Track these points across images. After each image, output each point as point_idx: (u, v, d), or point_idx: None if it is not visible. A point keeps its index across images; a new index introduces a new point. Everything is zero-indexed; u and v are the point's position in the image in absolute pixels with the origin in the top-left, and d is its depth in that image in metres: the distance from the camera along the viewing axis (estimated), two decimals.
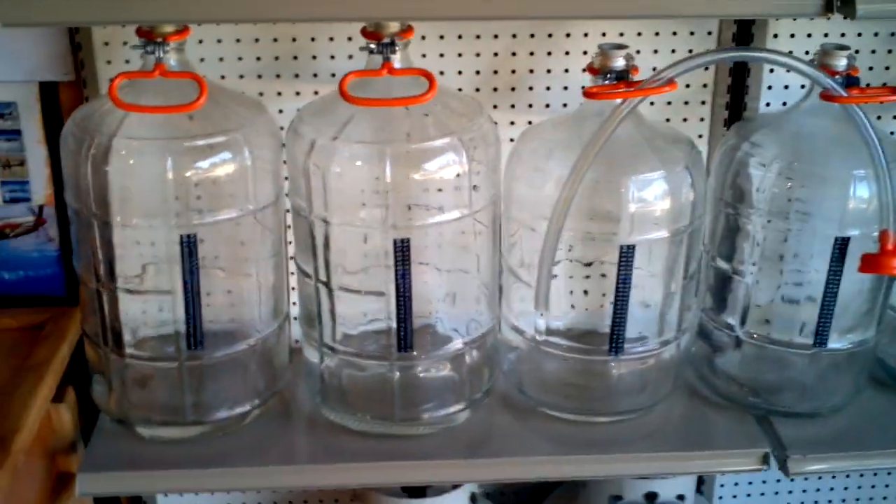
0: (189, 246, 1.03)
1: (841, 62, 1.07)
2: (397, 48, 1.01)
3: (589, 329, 1.16)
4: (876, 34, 1.22)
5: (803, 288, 1.13)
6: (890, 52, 1.23)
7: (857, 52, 1.20)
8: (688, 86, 1.22)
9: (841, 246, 1.07)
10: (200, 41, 1.17)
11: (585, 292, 1.17)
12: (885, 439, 1.15)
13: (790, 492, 1.51)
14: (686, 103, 1.23)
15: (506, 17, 1.06)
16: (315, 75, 1.18)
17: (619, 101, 1.02)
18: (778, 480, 1.50)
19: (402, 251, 1.03)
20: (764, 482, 1.50)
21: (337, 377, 1.12)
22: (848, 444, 1.14)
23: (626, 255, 1.06)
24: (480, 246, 1.10)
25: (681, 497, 1.27)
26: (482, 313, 1.13)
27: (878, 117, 1.24)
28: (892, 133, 1.25)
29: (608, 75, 1.04)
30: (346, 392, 1.12)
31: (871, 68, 1.23)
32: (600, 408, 1.14)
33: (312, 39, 1.17)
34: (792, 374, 1.16)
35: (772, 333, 1.15)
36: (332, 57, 1.18)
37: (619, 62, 1.05)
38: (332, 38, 1.17)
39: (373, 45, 1.01)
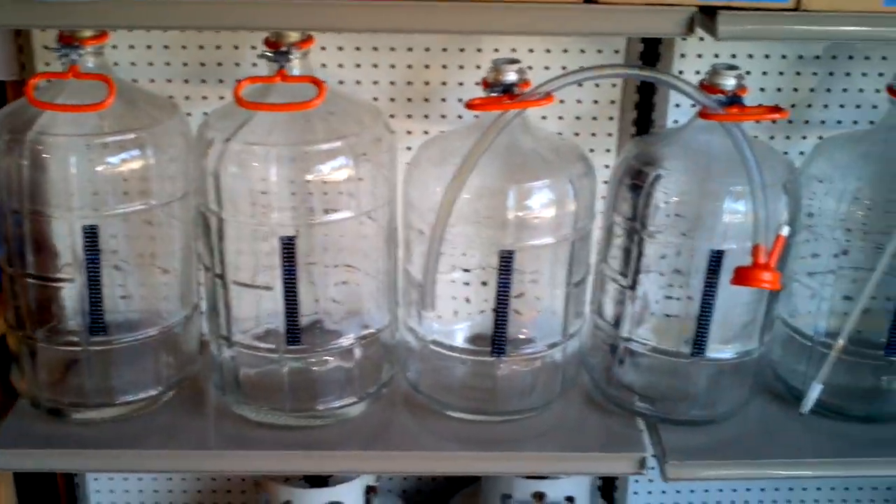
0: (91, 236, 1.09)
1: (728, 81, 1.10)
2: (293, 57, 1.07)
3: (479, 332, 1.20)
4: (784, 56, 1.26)
5: (687, 300, 1.16)
6: (798, 73, 1.27)
7: (764, 73, 1.26)
8: (596, 101, 1.27)
9: (716, 258, 1.11)
10: (132, 46, 1.24)
11: (467, 299, 1.22)
12: (771, 449, 1.18)
13: (704, 502, 1.55)
14: (594, 118, 1.28)
15: (396, 29, 1.11)
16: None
17: (500, 112, 1.08)
18: (692, 490, 1.54)
19: (289, 249, 1.08)
20: (678, 491, 1.54)
21: (234, 368, 1.17)
22: (730, 453, 1.17)
23: (506, 261, 1.10)
24: (371, 246, 1.16)
25: (570, 499, 1.30)
26: (374, 312, 1.18)
27: (772, 137, 1.28)
28: (801, 153, 1.30)
29: (496, 88, 1.10)
30: (242, 383, 1.17)
31: (779, 89, 1.27)
32: (489, 408, 1.19)
33: (235, 47, 1.24)
34: (678, 382, 1.19)
35: (659, 343, 1.18)
36: (255, 65, 1.23)
37: (510, 76, 1.09)
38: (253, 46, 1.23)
39: (269, 53, 1.08)
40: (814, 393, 1.14)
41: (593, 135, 1.28)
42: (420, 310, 1.16)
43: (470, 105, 1.08)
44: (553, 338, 1.18)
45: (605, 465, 1.19)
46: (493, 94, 1.09)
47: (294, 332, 1.11)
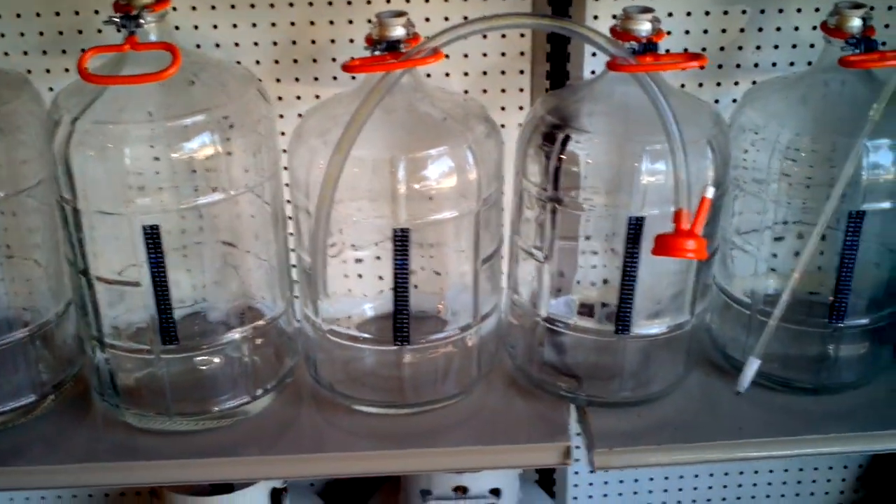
0: None
1: (642, 26, 0.98)
2: (145, 21, 0.94)
3: (382, 318, 1.09)
4: None
5: (609, 273, 1.06)
6: (726, 13, 1.14)
7: (688, 13, 1.14)
8: (504, 54, 1.14)
9: (635, 226, 0.99)
10: None
11: (365, 283, 1.11)
12: (710, 430, 1.07)
13: (650, 491, 1.45)
14: (503, 73, 1.15)
15: None
16: None
17: (382, 74, 0.95)
18: (636, 480, 1.44)
19: (153, 238, 0.96)
20: (621, 481, 1.44)
21: (110, 372, 1.05)
22: (665, 436, 1.06)
23: (402, 240, 0.98)
24: (258, 227, 1.04)
25: (495, 492, 1.20)
26: (266, 299, 1.07)
27: (700, 84, 1.16)
28: (734, 101, 1.17)
29: (379, 46, 0.97)
30: (121, 388, 1.05)
31: (705, 31, 1.14)
32: (398, 400, 1.07)
33: (96, 12, 1.11)
34: (605, 362, 1.08)
35: (581, 320, 1.07)
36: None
37: (397, 31, 0.96)
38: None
39: (117, 19, 0.94)
40: (751, 369, 1.02)
41: (503, 91, 1.16)
42: (313, 297, 1.05)
43: (346, 67, 0.96)
44: (464, 320, 1.07)
45: (526, 458, 1.08)
46: (376, 53, 0.98)
47: (169, 329, 0.99)
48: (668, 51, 1.09)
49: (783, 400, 1.10)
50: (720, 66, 1.16)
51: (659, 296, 1.06)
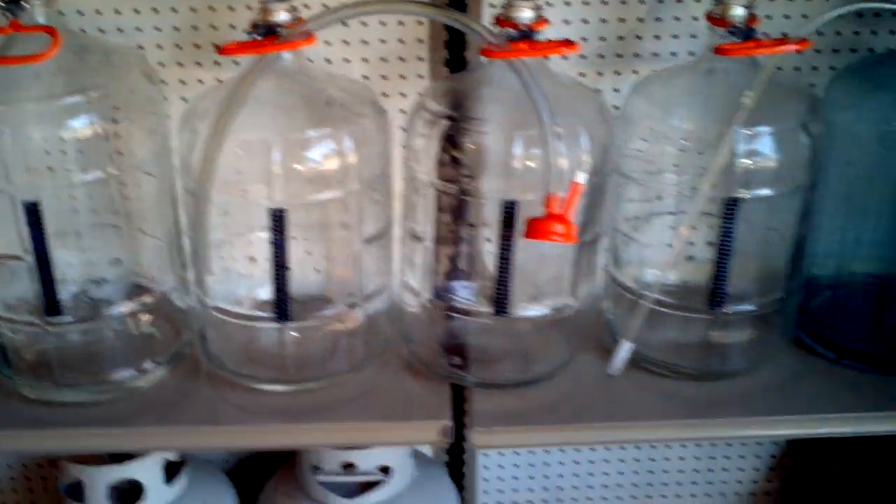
0: None
1: (524, 14, 0.99)
2: (27, 5, 0.95)
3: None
4: None
5: (492, 256, 1.07)
6: (624, 2, 1.14)
7: (586, 3, 1.14)
8: (402, 41, 1.15)
9: (509, 210, 1.01)
10: None
11: (253, 259, 1.13)
12: (593, 410, 1.08)
13: (560, 475, 1.46)
14: (402, 59, 1.16)
15: None
16: None
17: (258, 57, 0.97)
18: (546, 463, 1.46)
19: (34, 215, 0.98)
20: (531, 465, 1.46)
21: (2, 344, 1.07)
22: (547, 417, 1.07)
23: (277, 219, 1.00)
24: (149, 205, 1.07)
25: (384, 469, 1.22)
26: (154, 276, 1.09)
27: (600, 73, 1.17)
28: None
29: (259, 30, 0.98)
30: (12, 359, 1.08)
31: (603, 20, 1.14)
32: (283, 376, 1.09)
33: None
34: (491, 343, 1.10)
35: (464, 303, 1.09)
36: None
37: (280, 16, 0.98)
38: None
39: (2, 3, 0.96)
40: (623, 352, 1.05)
41: (402, 77, 1.17)
42: (199, 275, 1.07)
43: (222, 50, 0.97)
44: (350, 298, 1.09)
45: (404, 435, 1.09)
46: (256, 37, 0.99)
47: (53, 303, 1.02)
48: (567, 39, 1.10)
49: (668, 385, 1.11)
50: (619, 56, 1.16)
51: (539, 279, 1.08)
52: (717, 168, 0.99)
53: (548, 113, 0.96)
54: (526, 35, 0.99)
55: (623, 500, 1.50)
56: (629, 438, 1.13)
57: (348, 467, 1.21)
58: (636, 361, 1.12)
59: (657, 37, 1.16)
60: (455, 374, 1.11)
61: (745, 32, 1.00)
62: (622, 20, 1.15)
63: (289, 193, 1.01)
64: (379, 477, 1.22)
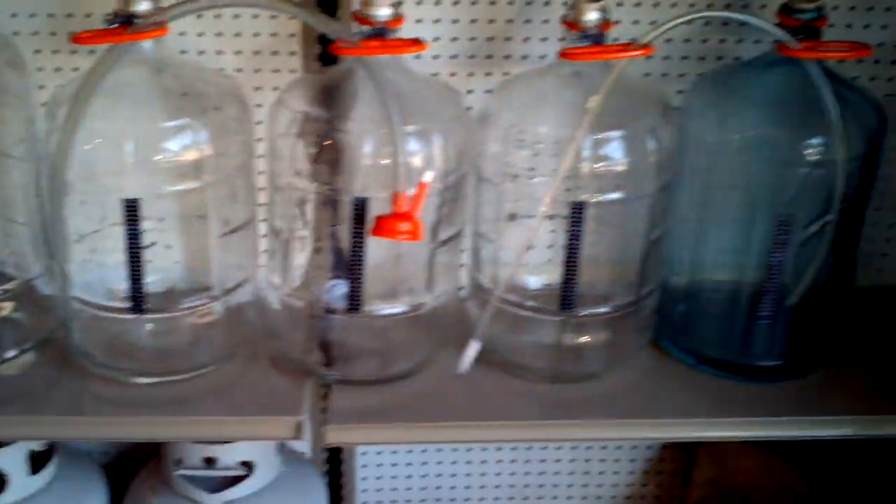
0: None
1: (380, 12, 1.00)
2: None
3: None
4: None
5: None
6: (492, 3, 1.14)
7: (455, 3, 1.15)
8: (274, 34, 1.15)
9: (359, 207, 1.02)
10: None
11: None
12: (445, 411, 1.08)
13: (439, 475, 1.46)
14: (275, 53, 1.16)
15: None
16: None
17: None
18: (424, 463, 1.46)
19: None
20: (409, 464, 1.46)
21: None
22: (401, 414, 1.08)
23: (131, 210, 1.01)
24: (15, 189, 1.06)
25: (246, 464, 1.22)
26: (18, 263, 1.09)
27: (471, 74, 1.17)
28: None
29: (118, 19, 0.97)
30: None
31: (473, 20, 1.15)
32: (142, 368, 1.09)
33: None
34: (350, 340, 1.11)
35: (322, 299, 1.09)
36: None
37: (140, 6, 0.98)
38: None
39: None
40: (470, 351, 1.05)
41: (276, 71, 1.17)
42: (59, 265, 1.07)
43: (75, 39, 0.97)
44: (209, 291, 1.09)
45: (260, 430, 1.08)
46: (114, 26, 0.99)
47: None
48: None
49: (522, 386, 1.12)
50: (489, 57, 1.17)
51: (394, 277, 1.09)
52: (561, 172, 1.00)
53: (397, 111, 0.97)
54: (379, 32, 1.00)
55: (501, 500, 1.51)
56: (479, 438, 1.14)
57: (210, 462, 1.21)
58: (495, 362, 1.12)
59: (526, 39, 1.17)
60: (316, 370, 1.12)
61: (594, 37, 1.01)
62: (492, 21, 1.16)
63: (143, 184, 1.02)
64: (241, 472, 1.22)
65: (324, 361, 1.11)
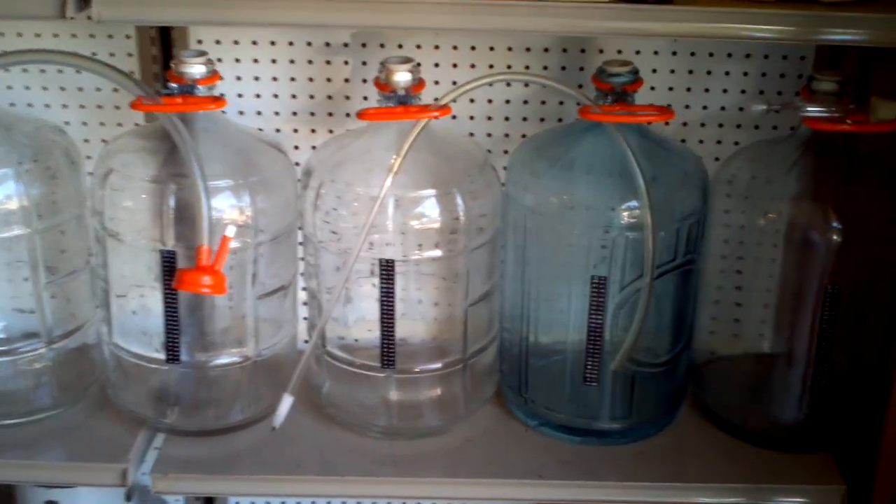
0: None
1: (194, 70, 1.02)
2: None
3: None
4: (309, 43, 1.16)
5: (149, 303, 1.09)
6: (328, 62, 1.16)
7: (291, 61, 1.17)
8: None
9: (166, 260, 1.03)
10: None
11: None
12: (271, 463, 1.09)
13: None
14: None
15: None
16: None
17: None
18: None
19: None
20: None
21: None
22: (227, 467, 1.08)
23: None
24: None
25: None
26: None
27: (313, 130, 1.19)
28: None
29: None
30: None
31: (310, 79, 1.17)
32: None
33: None
34: (184, 391, 1.12)
35: (136, 349, 1.10)
36: None
37: None
38: None
39: None
40: (283, 406, 1.04)
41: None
42: None
43: None
44: (36, 339, 1.11)
45: (88, 476, 1.10)
46: None
47: None
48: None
49: (356, 442, 1.12)
50: (330, 114, 1.19)
51: (213, 329, 1.10)
52: (364, 230, 1.00)
53: (199, 168, 0.99)
54: (185, 90, 1.02)
55: None
56: (301, 493, 1.15)
57: None
58: (333, 418, 1.14)
59: (365, 97, 1.18)
60: (150, 419, 1.12)
61: (399, 98, 1.02)
62: (329, 80, 1.18)
63: None
64: None
65: (156, 411, 1.13)
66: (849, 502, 1.07)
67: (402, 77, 1.02)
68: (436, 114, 1.00)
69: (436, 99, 1.04)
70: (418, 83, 1.04)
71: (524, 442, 1.14)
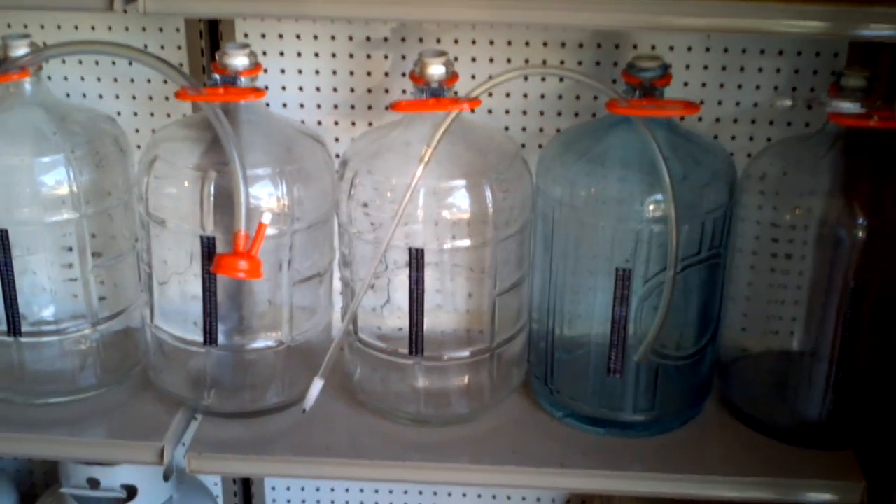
0: None
1: (236, 61, 1.06)
2: None
3: None
4: (350, 38, 1.20)
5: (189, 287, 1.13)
6: (369, 56, 1.20)
7: (333, 55, 1.21)
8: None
9: (207, 246, 1.07)
10: None
11: None
12: (305, 445, 1.12)
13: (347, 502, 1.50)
14: (167, 98, 1.24)
15: None
16: None
17: None
18: (332, 489, 1.49)
19: None
20: (318, 488, 1.49)
21: None
22: (261, 448, 1.12)
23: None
24: None
25: (129, 487, 1.26)
26: None
27: (353, 123, 1.23)
28: None
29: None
30: None
31: (351, 73, 1.21)
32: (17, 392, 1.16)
33: None
34: (220, 373, 1.15)
35: (176, 331, 1.14)
36: None
37: (18, 51, 1.07)
38: None
39: None
40: (314, 389, 1.08)
41: (168, 115, 1.25)
42: None
43: None
44: (82, 320, 1.16)
45: (125, 454, 1.15)
46: None
47: None
48: (318, 89, 1.20)
49: (385, 427, 1.15)
50: (370, 108, 1.22)
51: (249, 313, 1.14)
52: (396, 219, 1.03)
53: (237, 156, 1.02)
54: (230, 81, 1.06)
55: None
56: (330, 475, 1.18)
57: (94, 483, 1.26)
58: (364, 404, 1.17)
59: (404, 91, 1.21)
60: (188, 400, 1.17)
61: (433, 90, 1.05)
62: (369, 74, 1.22)
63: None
64: (120, 495, 1.27)
65: (196, 393, 1.17)
66: (870, 499, 1.07)
67: (435, 70, 1.05)
68: (465, 105, 1.03)
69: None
70: (452, 76, 1.06)
71: (549, 432, 1.16)
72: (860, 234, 1.03)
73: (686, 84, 1.17)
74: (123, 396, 1.20)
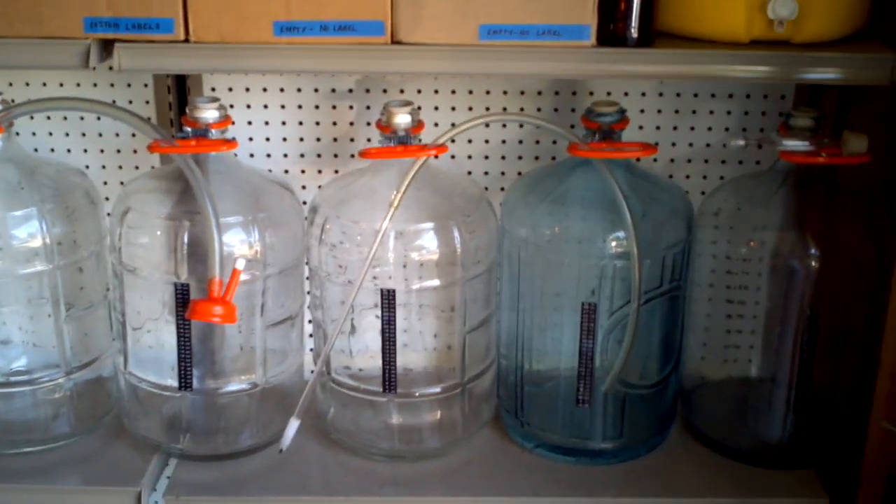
0: None
1: (205, 114, 1.09)
2: None
3: None
4: (316, 90, 1.24)
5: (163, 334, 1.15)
6: (334, 107, 1.24)
7: (300, 106, 1.24)
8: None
9: (180, 292, 1.10)
10: None
11: None
12: (278, 483, 1.14)
13: None
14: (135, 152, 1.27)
15: None
16: None
17: None
18: None
19: None
20: None
21: None
22: (235, 489, 1.13)
23: None
24: None
25: None
26: None
27: (319, 171, 1.26)
28: None
29: None
30: None
31: (317, 122, 1.25)
32: None
33: None
34: (194, 417, 1.17)
35: (150, 377, 1.16)
36: None
37: None
38: None
39: None
40: (290, 429, 1.10)
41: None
42: None
43: None
44: (55, 369, 1.17)
45: (101, 500, 1.15)
46: None
47: None
48: (285, 139, 1.24)
49: (358, 464, 1.17)
50: (336, 156, 1.26)
51: (223, 357, 1.16)
52: (367, 262, 1.06)
53: (211, 205, 1.05)
54: (199, 133, 1.09)
55: None
56: None
57: None
58: (338, 442, 1.19)
59: (369, 139, 1.25)
60: (163, 445, 1.18)
61: (400, 138, 1.09)
62: (335, 123, 1.25)
63: None
64: None
65: (169, 437, 1.18)
66: None
67: (402, 119, 1.09)
68: (433, 152, 1.07)
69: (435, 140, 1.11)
70: (417, 125, 1.10)
71: (521, 463, 1.19)
72: (813, 264, 1.09)
73: (641, 127, 1.23)
74: (97, 444, 1.21)
